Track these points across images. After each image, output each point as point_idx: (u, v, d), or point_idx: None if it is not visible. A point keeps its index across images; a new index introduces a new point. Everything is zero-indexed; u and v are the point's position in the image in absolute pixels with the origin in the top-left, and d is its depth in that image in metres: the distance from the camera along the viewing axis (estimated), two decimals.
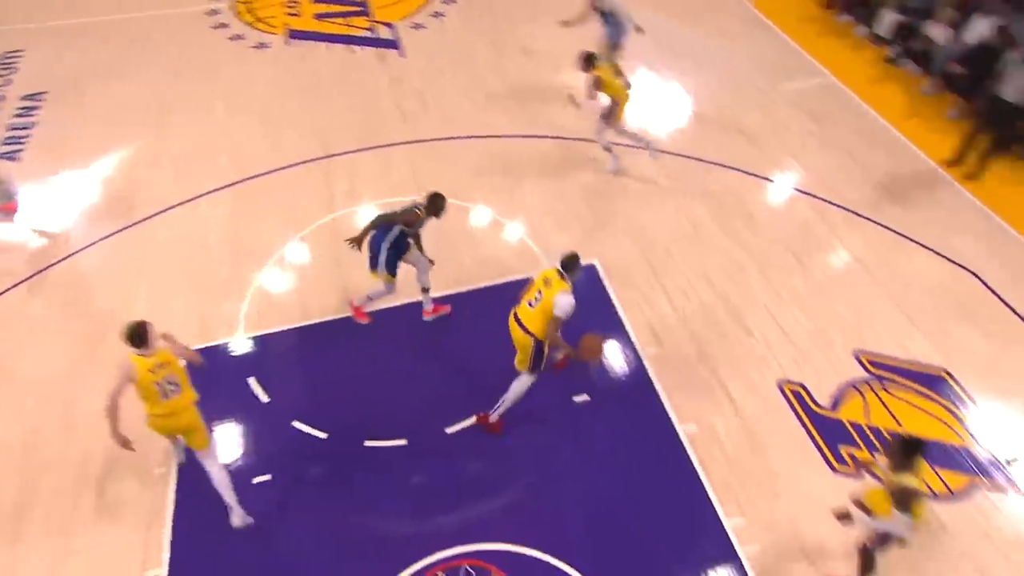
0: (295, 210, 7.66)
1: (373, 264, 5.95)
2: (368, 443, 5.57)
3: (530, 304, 5.06)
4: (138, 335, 4.40)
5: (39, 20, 11.32)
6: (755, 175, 8.04)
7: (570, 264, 4.98)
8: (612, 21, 8.36)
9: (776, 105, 9.10)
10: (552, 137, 8.59)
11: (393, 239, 5.77)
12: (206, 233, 7.52)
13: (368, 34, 10.73)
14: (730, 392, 5.89)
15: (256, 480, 5.40)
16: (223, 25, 11.08)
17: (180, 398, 4.58)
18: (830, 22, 10.68)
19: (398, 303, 6.57)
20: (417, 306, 6.51)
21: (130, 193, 8.05)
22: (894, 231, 7.28)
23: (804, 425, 5.64)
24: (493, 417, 5.52)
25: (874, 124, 8.77)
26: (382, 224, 5.73)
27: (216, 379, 6.09)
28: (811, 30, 10.50)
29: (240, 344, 6.41)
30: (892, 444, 4.13)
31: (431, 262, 6.20)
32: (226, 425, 5.77)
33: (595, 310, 6.47)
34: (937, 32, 8.97)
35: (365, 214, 7.61)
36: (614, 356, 6.21)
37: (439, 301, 6.55)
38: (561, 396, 5.88)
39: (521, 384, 5.33)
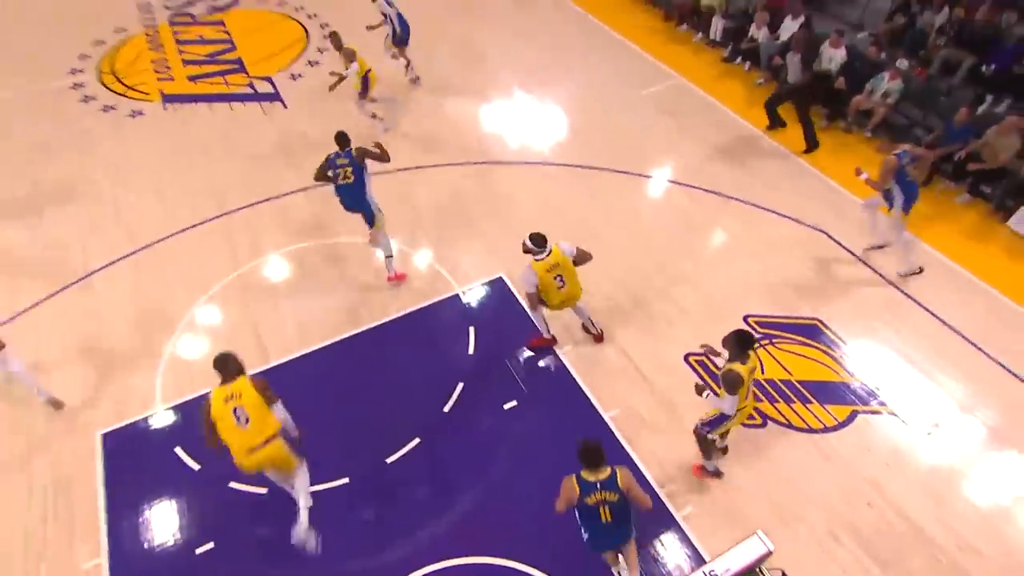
0: (199, 272, 7.24)
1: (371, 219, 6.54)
2: (311, 489, 5.30)
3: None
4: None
5: None
6: (633, 173, 8.39)
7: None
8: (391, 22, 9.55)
9: (639, 109, 9.56)
10: (449, 165, 8.60)
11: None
12: (104, 310, 6.94)
13: (248, 90, 10.35)
14: (644, 373, 6.09)
15: (199, 551, 5.04)
16: (91, 98, 10.28)
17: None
18: (672, 32, 11.37)
19: (306, 351, 6.39)
20: (333, 349, 6.39)
21: (12, 285, 7.32)
22: (757, 206, 7.81)
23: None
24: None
25: (724, 115, 9.39)
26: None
27: (141, 455, 5.69)
28: (657, 40, 11.13)
29: (160, 417, 5.96)
30: (727, 338, 4.50)
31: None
32: (161, 501, 5.36)
33: (511, 320, 6.53)
34: (759, 33, 9.82)
35: (272, 265, 7.32)
36: (533, 360, 6.26)
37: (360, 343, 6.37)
38: (492, 405, 5.87)
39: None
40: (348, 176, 6.28)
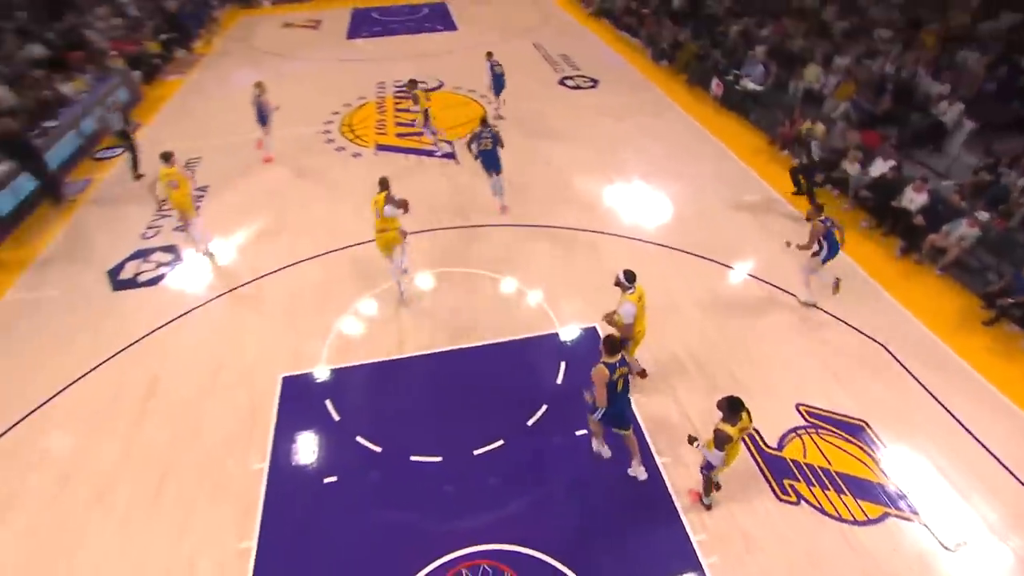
0: (371, 274, 7.78)
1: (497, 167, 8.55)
2: (413, 458, 5.48)
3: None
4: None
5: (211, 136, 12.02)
6: (718, 262, 8.01)
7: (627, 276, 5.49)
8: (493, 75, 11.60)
9: (734, 211, 9.14)
10: (565, 228, 8.71)
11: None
12: (303, 287, 7.66)
13: (434, 149, 11.14)
14: (696, 426, 5.70)
15: (326, 480, 5.32)
16: (332, 140, 11.65)
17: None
18: (774, 154, 10.83)
19: (441, 349, 6.58)
20: (453, 354, 6.57)
21: (253, 257, 8.31)
22: (827, 312, 7.14)
23: (756, 462, 5.42)
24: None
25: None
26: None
27: (302, 399, 6.12)
28: (760, 159, 10.66)
29: (321, 373, 6.43)
30: (721, 401, 4.44)
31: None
32: (307, 435, 5.73)
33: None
34: (850, 167, 9.10)
35: (422, 279, 7.72)
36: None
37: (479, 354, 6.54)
38: (566, 429, 5.74)
39: None
40: (487, 145, 8.45)
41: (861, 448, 5.55)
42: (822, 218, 6.70)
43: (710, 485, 4.87)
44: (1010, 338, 6.73)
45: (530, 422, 5.81)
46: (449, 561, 4.64)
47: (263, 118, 10.37)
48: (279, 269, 8.03)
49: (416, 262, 7.98)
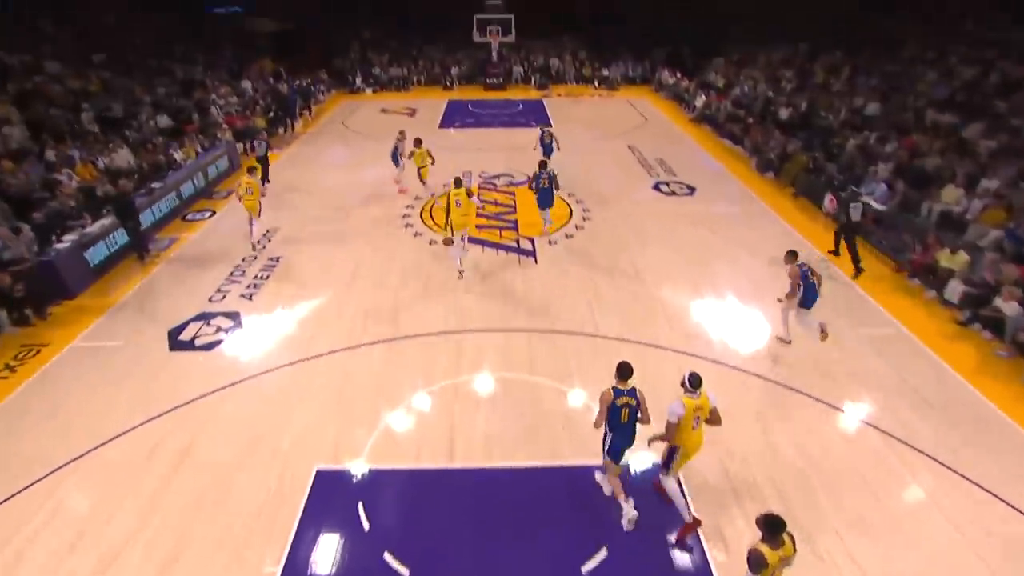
0: (429, 368, 7.96)
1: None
2: None
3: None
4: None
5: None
6: (826, 403, 7.43)
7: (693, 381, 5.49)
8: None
9: (849, 345, 8.61)
10: (648, 344, 8.58)
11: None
12: (360, 372, 7.93)
13: (513, 244, 11.72)
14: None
15: None
16: (410, 225, 12.64)
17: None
18: (900, 282, 10.33)
19: (494, 465, 6.42)
20: (507, 472, 6.37)
21: (314, 334, 8.82)
22: (970, 480, 6.28)
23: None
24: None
25: (945, 374, 7.99)
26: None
27: (333, 498, 6.09)
28: (882, 287, 10.17)
29: (359, 469, 6.42)
30: (759, 519, 4.21)
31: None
32: (330, 540, 5.62)
33: (669, 509, 5.92)
34: (1007, 306, 8.41)
35: (482, 381, 7.75)
36: (681, 556, 5.54)
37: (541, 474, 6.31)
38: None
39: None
40: (545, 183, 11.67)
41: None
42: (798, 263, 7.96)
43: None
44: None
45: (585, 568, 5.37)
46: None
47: (396, 159, 14.03)
48: (340, 349, 8.41)
49: (477, 363, 8.10)
